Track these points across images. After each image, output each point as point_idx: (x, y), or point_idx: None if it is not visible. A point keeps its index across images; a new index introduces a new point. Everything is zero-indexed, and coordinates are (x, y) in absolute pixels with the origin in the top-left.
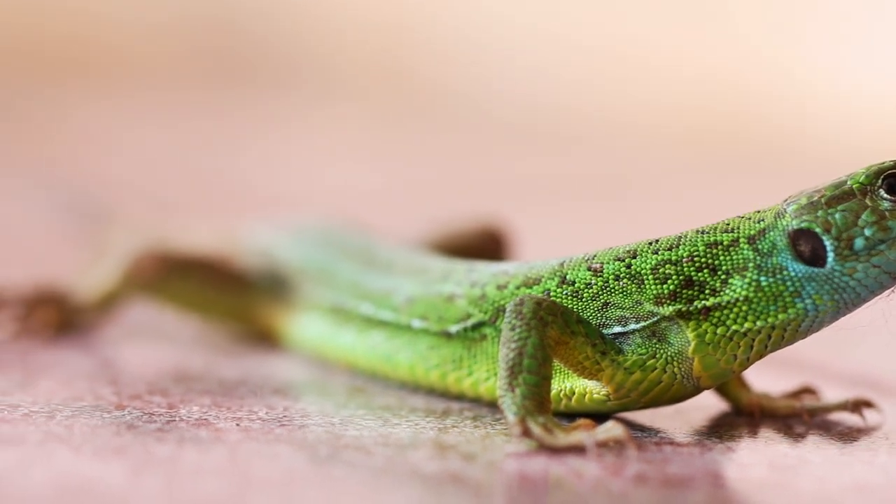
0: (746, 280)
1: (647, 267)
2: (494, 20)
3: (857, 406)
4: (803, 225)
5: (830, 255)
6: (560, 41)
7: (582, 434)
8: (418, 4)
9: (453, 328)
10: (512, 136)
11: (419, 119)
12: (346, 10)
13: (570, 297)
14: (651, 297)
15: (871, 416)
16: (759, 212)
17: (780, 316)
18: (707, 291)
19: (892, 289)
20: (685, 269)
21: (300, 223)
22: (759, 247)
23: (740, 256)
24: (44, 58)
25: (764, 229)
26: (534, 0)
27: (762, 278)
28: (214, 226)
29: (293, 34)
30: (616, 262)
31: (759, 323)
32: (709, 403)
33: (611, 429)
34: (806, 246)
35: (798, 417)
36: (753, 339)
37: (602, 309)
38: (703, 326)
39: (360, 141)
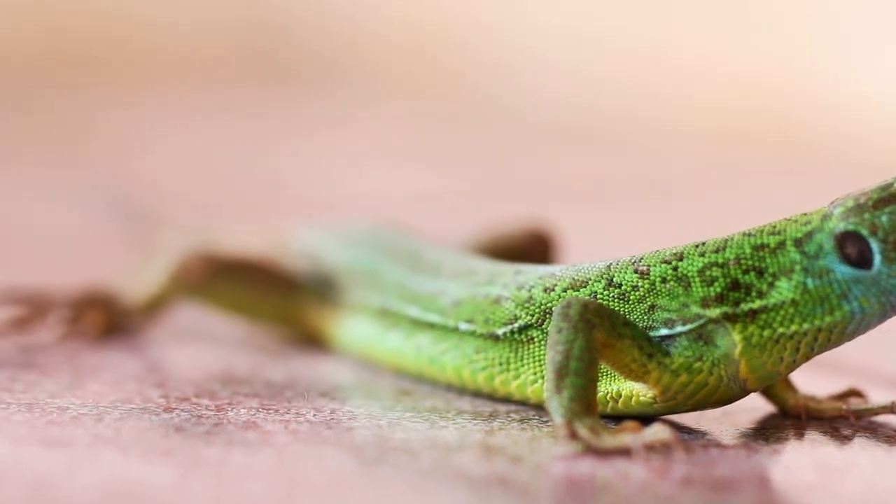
0: (793, 282)
1: (694, 269)
2: (537, 22)
3: None
4: (850, 227)
5: (877, 258)
6: (604, 43)
7: (628, 436)
8: (460, 7)
9: (500, 331)
10: (557, 138)
11: (462, 121)
12: (387, 13)
13: (616, 300)
14: (698, 299)
15: None
16: (805, 214)
17: (826, 318)
18: (754, 294)
19: None
20: (732, 271)
21: (346, 226)
22: (806, 249)
23: (787, 259)
24: (86, 59)
25: (810, 232)
26: (576, 2)
27: (809, 281)
28: (261, 228)
29: (334, 36)
30: (663, 265)
31: (805, 325)
32: (755, 405)
33: (657, 431)
34: (852, 248)
35: (844, 419)
36: (800, 342)
37: (648, 311)
38: (750, 329)
39: (403, 143)
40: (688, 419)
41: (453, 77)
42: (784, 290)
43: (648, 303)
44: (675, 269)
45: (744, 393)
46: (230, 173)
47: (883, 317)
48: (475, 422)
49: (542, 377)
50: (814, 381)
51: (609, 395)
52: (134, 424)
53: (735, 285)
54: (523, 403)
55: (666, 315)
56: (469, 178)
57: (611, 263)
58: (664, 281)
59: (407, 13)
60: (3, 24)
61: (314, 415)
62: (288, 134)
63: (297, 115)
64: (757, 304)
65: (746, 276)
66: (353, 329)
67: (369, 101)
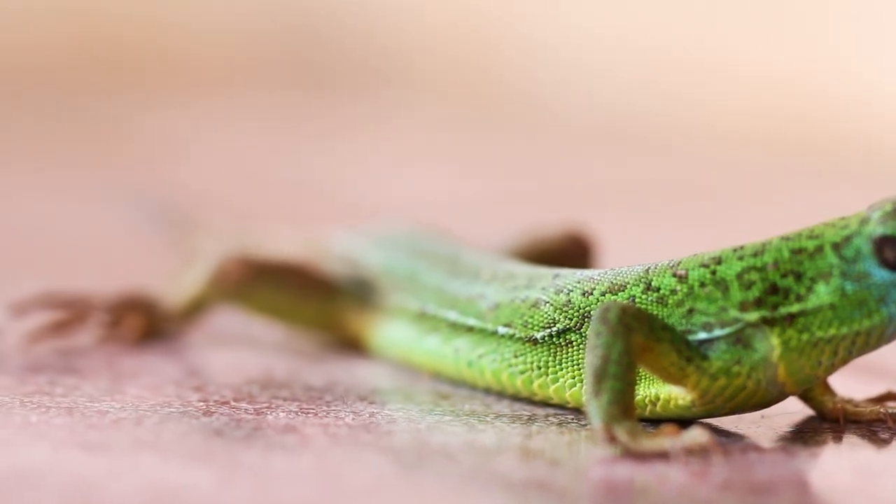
0: (831, 286)
1: (733, 273)
2: (575, 25)
3: None
4: (888, 231)
5: None
6: (642, 46)
7: (667, 440)
8: (498, 11)
9: (539, 334)
10: (595, 142)
11: (500, 125)
12: (423, 16)
13: (655, 304)
14: (736, 303)
15: None
16: (843, 218)
17: (864, 322)
18: (792, 298)
19: None
20: (770, 275)
21: (385, 230)
22: (844, 253)
23: (825, 263)
24: (124, 64)
25: (849, 236)
26: (615, 6)
27: (847, 284)
28: (299, 233)
29: (372, 39)
30: (701, 269)
31: (843, 329)
32: (793, 409)
33: (696, 435)
34: (891, 252)
35: (882, 423)
36: (838, 345)
37: (687, 315)
38: (788, 333)
39: (441, 147)
40: (726, 422)
41: (491, 80)
42: (822, 293)
43: (687, 307)
44: (714, 272)
45: (782, 396)
46: (268, 177)
47: None
48: (514, 425)
49: (581, 381)
50: (852, 384)
51: (648, 398)
52: (173, 428)
53: (773, 289)
54: (562, 407)
55: (704, 319)
56: (507, 181)
57: (649, 267)
58: (702, 285)
59: (445, 17)
60: (41, 28)
61: (353, 418)
62: (325, 138)
63: (334, 119)
64: (795, 307)
65: (785, 280)
66: (391, 333)
67: (407, 105)
